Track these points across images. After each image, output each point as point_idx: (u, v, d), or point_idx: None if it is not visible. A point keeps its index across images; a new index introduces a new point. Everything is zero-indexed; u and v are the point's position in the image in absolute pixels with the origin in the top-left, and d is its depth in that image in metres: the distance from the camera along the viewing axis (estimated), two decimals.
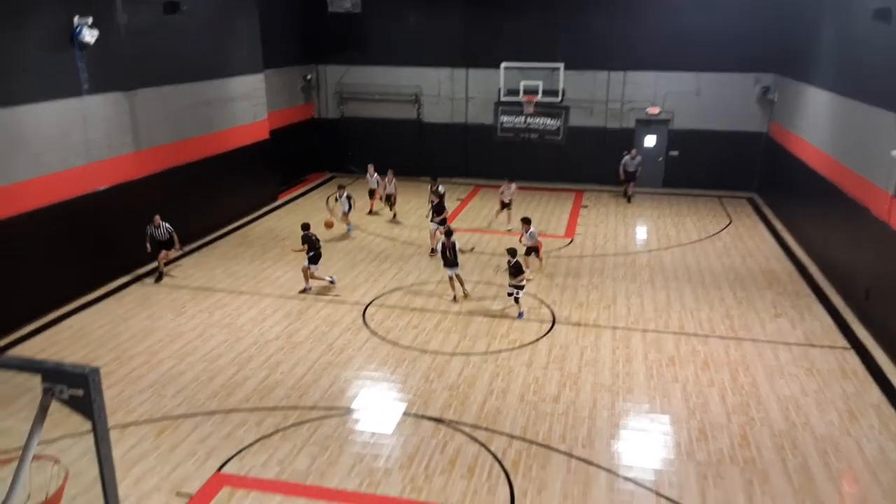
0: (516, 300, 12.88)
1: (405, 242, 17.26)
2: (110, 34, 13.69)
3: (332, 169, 24.81)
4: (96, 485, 6.50)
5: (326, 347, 11.57)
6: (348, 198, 17.73)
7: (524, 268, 13.09)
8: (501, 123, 23.56)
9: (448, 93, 23.74)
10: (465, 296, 13.71)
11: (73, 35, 12.80)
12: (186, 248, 15.89)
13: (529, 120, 23.31)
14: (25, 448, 3.02)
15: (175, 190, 15.83)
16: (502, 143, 23.64)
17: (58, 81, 12.68)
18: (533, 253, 14.97)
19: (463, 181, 23.65)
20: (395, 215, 19.26)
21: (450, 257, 13.49)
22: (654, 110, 22.43)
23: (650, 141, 22.88)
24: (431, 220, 16.51)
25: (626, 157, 21.58)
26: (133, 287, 14.15)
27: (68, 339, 11.79)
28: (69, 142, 13.03)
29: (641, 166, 21.67)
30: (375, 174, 19.81)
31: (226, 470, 8.35)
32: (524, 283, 12.93)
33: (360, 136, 24.41)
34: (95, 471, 6.53)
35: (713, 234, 18.24)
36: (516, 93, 22.47)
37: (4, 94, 11.63)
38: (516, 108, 23.05)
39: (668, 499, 7.95)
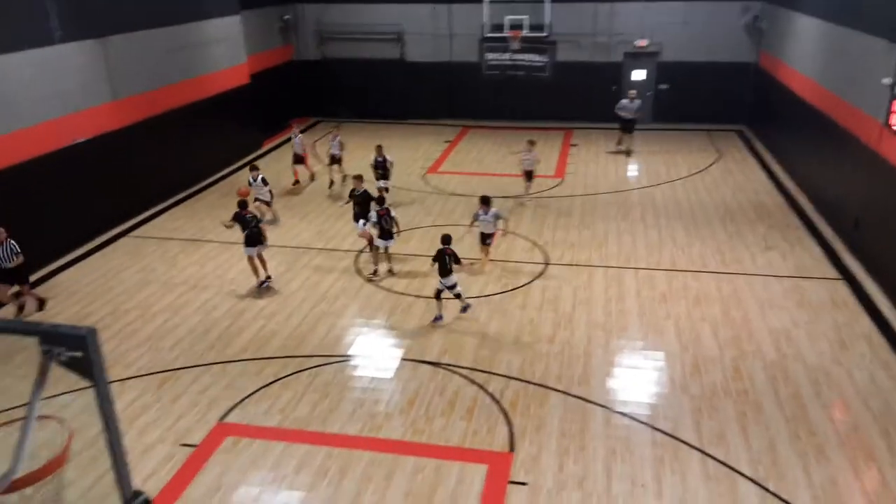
0: (458, 296, 10.62)
1: (394, 187, 17.09)
2: None
3: (316, 113, 24.33)
4: (100, 440, 6.54)
5: (320, 296, 11.56)
6: (263, 181, 14.48)
7: (459, 260, 10.46)
8: (487, 61, 23.06)
9: (431, 30, 23.12)
10: (388, 272, 12.31)
11: None
12: (162, 205, 15.45)
13: (515, 56, 22.80)
14: (29, 411, 2.99)
15: (156, 139, 15.50)
16: (488, 82, 23.20)
17: (26, 30, 12.19)
18: (487, 241, 12.38)
19: (450, 122, 23.30)
20: (343, 178, 16.82)
21: (386, 227, 11.98)
22: (642, 43, 22.00)
23: (639, 75, 22.53)
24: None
25: (624, 101, 19.41)
26: (122, 240, 13.99)
27: (60, 295, 11.70)
28: (42, 94, 12.61)
29: (642, 111, 19.85)
30: (300, 134, 17.31)
31: (228, 419, 8.44)
32: (455, 282, 10.48)
33: (342, 77, 23.86)
34: (97, 426, 6.56)
35: (703, 170, 18.18)
36: (501, 28, 21.93)
37: None
38: (502, 45, 22.52)
39: (663, 432, 8.13)
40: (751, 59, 21.55)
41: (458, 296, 10.65)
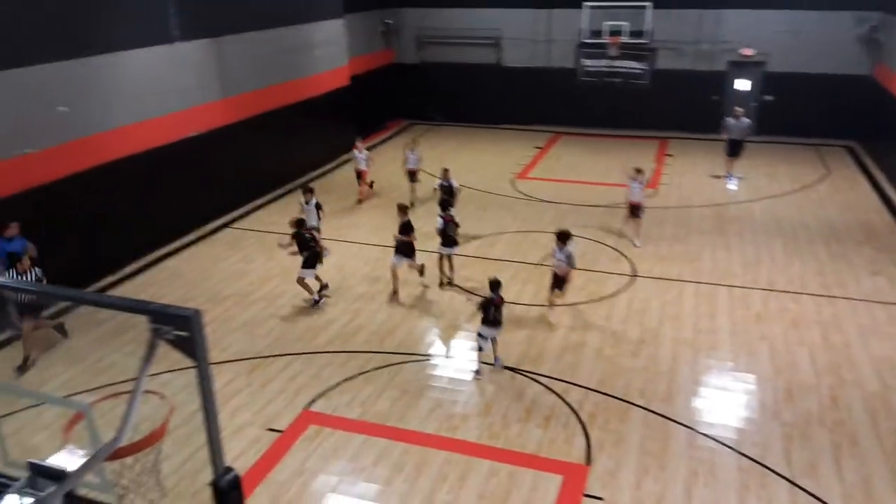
0: (479, 349, 9.55)
1: (482, 191, 17.20)
2: None
3: (412, 116, 24.79)
4: (195, 417, 6.94)
5: (406, 294, 11.80)
6: (317, 206, 13.18)
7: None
8: (584, 67, 22.79)
9: (529, 35, 23.09)
10: (450, 282, 12.08)
11: None
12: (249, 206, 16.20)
13: (613, 63, 22.42)
14: (137, 383, 3.25)
15: (259, 137, 16.26)
16: (583, 88, 22.92)
17: (151, 29, 13.09)
18: (559, 285, 10.77)
19: (543, 128, 23.20)
20: (412, 204, 15.28)
21: (450, 234, 11.75)
22: (748, 52, 21.14)
23: (743, 84, 21.67)
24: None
25: (730, 120, 17.35)
26: (224, 231, 14.75)
27: (166, 279, 12.49)
28: (163, 88, 13.51)
29: (749, 131, 17.64)
30: (365, 150, 16.62)
31: (313, 408, 8.77)
32: (496, 335, 9.53)
33: (441, 81, 24.19)
34: (194, 404, 6.98)
35: (808, 186, 17.29)
36: (600, 34, 21.62)
37: (105, 40, 12.10)
38: (600, 51, 22.21)
39: (750, 458, 7.83)
40: (865, 71, 20.30)
41: (480, 349, 9.52)
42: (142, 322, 3.47)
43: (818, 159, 19.54)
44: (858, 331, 10.45)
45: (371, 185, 16.89)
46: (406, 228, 11.54)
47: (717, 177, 17.90)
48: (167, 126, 13.67)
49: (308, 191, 13.23)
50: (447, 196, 14.00)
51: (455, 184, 14.16)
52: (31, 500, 2.89)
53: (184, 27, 13.76)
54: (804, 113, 21.02)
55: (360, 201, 16.40)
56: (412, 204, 15.37)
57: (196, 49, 14.29)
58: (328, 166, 19.34)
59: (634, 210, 13.69)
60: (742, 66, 21.49)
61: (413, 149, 16.35)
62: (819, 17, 20.24)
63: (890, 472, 7.56)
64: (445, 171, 14.34)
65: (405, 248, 11.57)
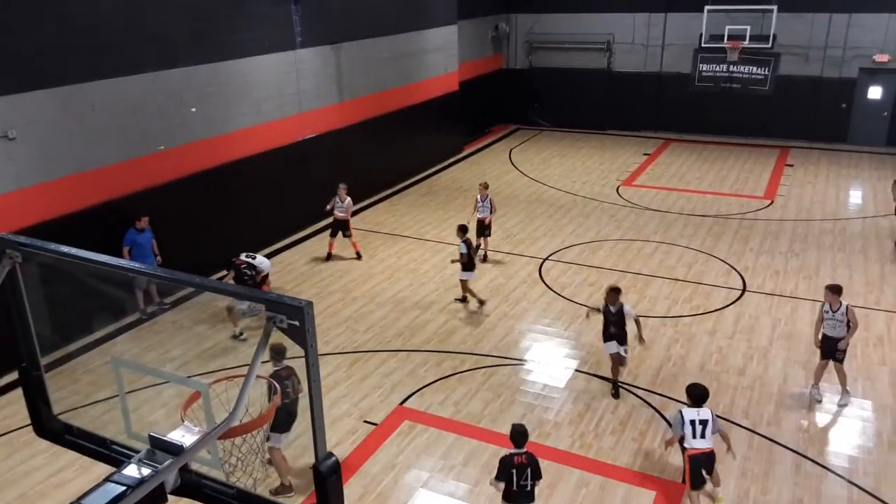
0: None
1: (586, 197, 16.97)
2: None
3: (518, 120, 24.80)
4: (300, 404, 7.33)
5: (503, 298, 11.86)
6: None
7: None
8: (700, 72, 21.98)
9: (643, 39, 22.54)
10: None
11: None
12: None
13: (732, 68, 21.49)
14: (251, 368, 3.49)
15: (370, 140, 16.80)
16: (699, 94, 22.10)
17: (277, 35, 13.87)
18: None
19: (652, 134, 22.60)
20: (485, 256, 13.44)
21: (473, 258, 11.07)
22: (883, 58, 19.67)
23: (875, 93, 20.20)
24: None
25: None
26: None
27: (278, 272, 13.16)
28: (284, 92, 14.27)
29: None
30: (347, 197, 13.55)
31: (407, 404, 9.01)
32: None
33: (548, 86, 24.06)
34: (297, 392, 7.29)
35: None
36: (720, 38, 20.79)
37: (233, 47, 12.94)
38: (719, 55, 21.33)
39: (861, 489, 7.34)
40: None
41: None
42: (259, 309, 3.75)
43: None
44: None
45: (358, 255, 13.72)
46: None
47: None
48: (286, 128, 14.41)
49: (485, 186, 13.57)
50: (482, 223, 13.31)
51: (495, 202, 13.61)
52: (150, 470, 3.16)
53: (306, 34, 14.46)
54: None
55: (329, 255, 13.67)
56: (484, 258, 13.37)
57: (317, 54, 14.96)
58: (433, 169, 19.69)
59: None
60: (875, 73, 20.03)
61: (486, 195, 13.57)
62: None
63: None
64: (484, 185, 13.73)
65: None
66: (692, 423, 6.86)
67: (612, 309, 8.85)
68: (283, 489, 7.42)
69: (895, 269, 12.48)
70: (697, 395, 7.04)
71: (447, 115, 20.28)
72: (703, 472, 6.92)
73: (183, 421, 3.92)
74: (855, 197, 16.57)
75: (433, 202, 16.99)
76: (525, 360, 10.01)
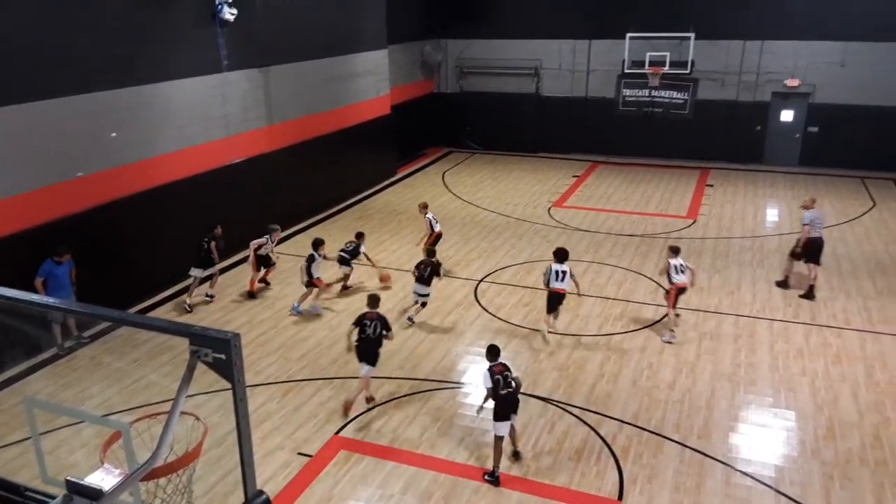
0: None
1: (519, 219, 17.22)
2: (247, 11, 14.42)
3: (450, 144, 25.04)
4: (227, 438, 7.06)
5: (439, 321, 11.83)
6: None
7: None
8: (624, 97, 22.78)
9: (569, 65, 23.22)
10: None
11: (215, 13, 13.62)
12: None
13: (654, 93, 22.37)
14: (174, 404, 3.33)
15: (301, 164, 16.60)
16: (623, 118, 22.89)
17: (201, 58, 13.58)
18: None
19: (581, 157, 23.21)
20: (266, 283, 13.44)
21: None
22: (794, 82, 20.90)
23: (787, 115, 21.39)
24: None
25: (812, 215, 12.55)
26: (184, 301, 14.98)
27: (203, 301, 12.74)
28: (210, 115, 13.95)
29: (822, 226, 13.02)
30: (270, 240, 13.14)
31: (343, 433, 8.81)
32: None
33: (479, 110, 24.43)
34: (227, 426, 7.04)
35: (853, 219, 16.89)
36: (642, 64, 21.63)
37: (155, 70, 12.59)
38: (641, 81, 22.18)
39: (788, 497, 7.59)
40: None
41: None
42: (180, 344, 3.57)
43: (864, 191, 19.08)
44: None
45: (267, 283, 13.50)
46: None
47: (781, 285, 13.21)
48: (212, 153, 14.07)
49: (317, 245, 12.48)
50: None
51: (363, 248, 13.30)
52: None
53: (232, 57, 14.22)
54: (850, 144, 20.61)
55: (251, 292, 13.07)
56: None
57: (243, 78, 14.73)
58: (366, 192, 19.60)
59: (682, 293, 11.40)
60: (787, 97, 21.22)
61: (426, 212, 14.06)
62: (867, 48, 19.91)
63: None
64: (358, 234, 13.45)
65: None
66: (556, 272, 10.77)
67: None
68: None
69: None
70: (561, 255, 11.02)
71: (380, 139, 20.27)
72: (558, 305, 10.93)
73: (102, 463, 3.70)
74: (771, 215, 17.40)
75: (367, 226, 16.85)
76: (463, 383, 9.98)
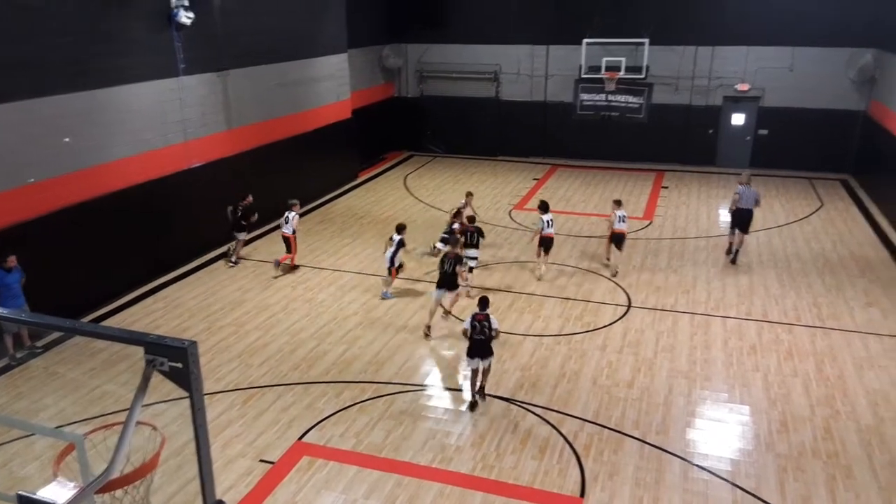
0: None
1: (481, 222, 17.30)
2: (204, 15, 14.24)
3: (411, 147, 25.07)
4: (186, 448, 6.98)
5: (402, 324, 11.84)
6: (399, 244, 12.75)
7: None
8: (581, 101, 23.12)
9: (528, 70, 23.48)
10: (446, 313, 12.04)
11: (171, 17, 13.41)
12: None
13: (610, 97, 22.77)
14: (129, 415, 3.30)
15: (262, 168, 16.44)
16: (581, 122, 23.23)
17: (157, 62, 13.36)
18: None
19: (540, 160, 23.47)
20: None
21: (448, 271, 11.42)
22: (744, 87, 21.49)
23: (738, 119, 21.97)
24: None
25: (741, 189, 14.32)
26: (224, 260, 14.82)
27: (163, 309, 12.53)
28: (167, 120, 13.73)
29: (759, 204, 14.49)
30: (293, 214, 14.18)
31: (306, 439, 8.76)
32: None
33: (439, 114, 24.52)
34: (186, 435, 6.97)
35: (802, 218, 17.44)
36: (598, 69, 21.98)
37: (110, 74, 12.34)
38: (598, 86, 22.55)
39: (744, 490, 7.80)
40: (860, 107, 20.60)
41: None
42: (137, 352, 3.52)
43: (812, 192, 19.72)
44: (853, 362, 10.47)
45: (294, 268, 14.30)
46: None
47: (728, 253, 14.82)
48: (170, 157, 13.85)
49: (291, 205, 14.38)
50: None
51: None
52: None
53: (190, 61, 14.02)
54: (799, 146, 21.29)
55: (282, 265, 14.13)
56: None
57: (201, 82, 14.53)
58: (328, 196, 19.50)
59: (618, 239, 13.92)
60: (738, 101, 21.81)
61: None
62: (814, 53, 20.60)
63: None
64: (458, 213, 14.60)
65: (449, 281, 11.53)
66: (546, 221, 13.44)
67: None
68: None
69: (762, 282, 13.50)
70: (545, 206, 13.66)
71: (341, 143, 20.19)
72: (550, 247, 13.64)
73: (56, 476, 3.64)
74: (724, 215, 17.75)
75: (328, 230, 16.80)
76: (426, 386, 10.01)
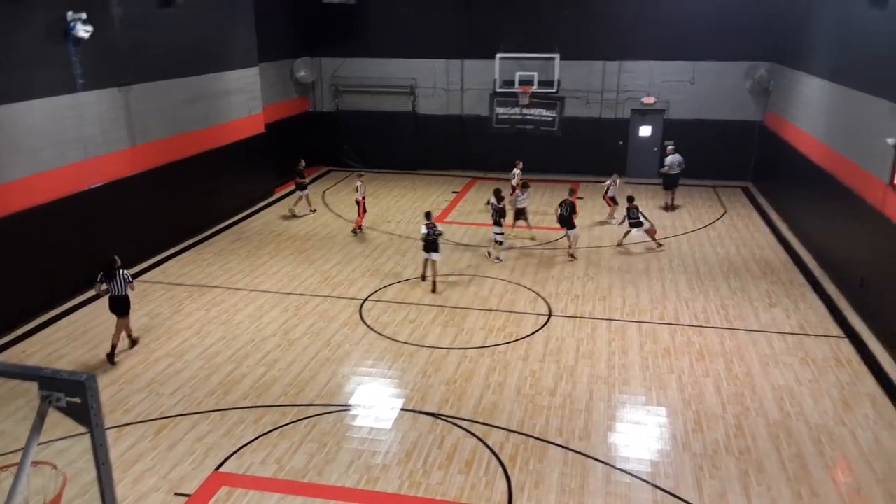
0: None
1: (402, 236, 17.27)
2: (105, 29, 13.62)
3: (329, 162, 24.76)
4: (95, 486, 6.54)
5: (324, 343, 11.60)
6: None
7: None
8: (497, 115, 23.50)
9: (443, 84, 23.67)
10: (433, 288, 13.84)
11: (67, 31, 12.74)
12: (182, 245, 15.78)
13: (525, 111, 23.25)
14: (24, 455, 3.04)
15: (171, 186, 15.82)
16: (498, 135, 23.59)
17: (52, 78, 12.64)
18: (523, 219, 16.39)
19: (459, 173, 23.65)
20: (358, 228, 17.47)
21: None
22: (650, 100, 22.40)
23: (645, 131, 22.87)
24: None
25: (668, 158, 19.86)
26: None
27: (65, 338, 11.80)
28: (64, 138, 13.00)
29: (682, 165, 19.65)
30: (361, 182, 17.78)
31: (224, 468, 8.40)
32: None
33: (357, 129, 24.35)
34: (93, 472, 6.54)
35: (708, 224, 18.28)
36: (512, 84, 22.41)
37: (2, 90, 11.60)
38: (512, 100, 22.99)
39: (664, 490, 8.02)
40: (757, 118, 21.86)
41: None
42: (34, 387, 3.25)
43: (716, 199, 20.72)
44: (759, 361, 11.00)
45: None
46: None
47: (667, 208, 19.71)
48: (69, 177, 13.11)
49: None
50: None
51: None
52: None
53: (89, 76, 13.36)
54: (702, 156, 22.28)
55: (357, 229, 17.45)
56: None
57: (102, 98, 13.86)
58: (243, 214, 18.97)
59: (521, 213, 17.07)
60: (644, 114, 22.70)
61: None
62: (714, 67, 21.71)
63: (794, 495, 7.91)
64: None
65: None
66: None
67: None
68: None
69: (674, 286, 14.02)
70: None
71: (255, 158, 19.71)
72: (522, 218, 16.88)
73: None
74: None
75: (244, 249, 16.31)
76: (350, 405, 9.81)
